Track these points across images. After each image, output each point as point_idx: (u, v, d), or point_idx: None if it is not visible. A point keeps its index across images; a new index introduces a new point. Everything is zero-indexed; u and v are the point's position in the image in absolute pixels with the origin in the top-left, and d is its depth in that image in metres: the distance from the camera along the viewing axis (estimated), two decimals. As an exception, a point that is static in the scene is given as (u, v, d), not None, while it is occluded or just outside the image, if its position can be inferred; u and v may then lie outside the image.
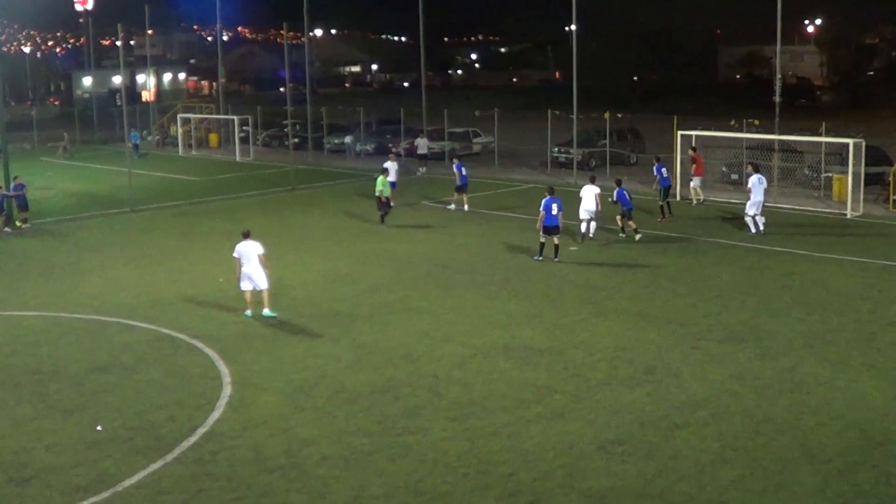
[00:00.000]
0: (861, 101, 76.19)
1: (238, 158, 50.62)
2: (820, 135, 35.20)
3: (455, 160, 33.45)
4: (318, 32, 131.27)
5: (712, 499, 11.17)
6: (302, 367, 16.12)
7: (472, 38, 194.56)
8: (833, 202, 32.03)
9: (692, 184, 32.57)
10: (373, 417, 13.80)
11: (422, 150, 43.47)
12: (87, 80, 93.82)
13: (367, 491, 11.53)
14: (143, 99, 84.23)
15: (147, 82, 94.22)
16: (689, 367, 15.76)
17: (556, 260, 23.59)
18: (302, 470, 12.13)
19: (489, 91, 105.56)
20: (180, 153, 54.97)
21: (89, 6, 65.53)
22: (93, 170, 47.21)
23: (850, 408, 13.84)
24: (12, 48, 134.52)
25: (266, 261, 18.89)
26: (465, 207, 31.56)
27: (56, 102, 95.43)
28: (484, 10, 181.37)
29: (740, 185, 33.13)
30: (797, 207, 31.53)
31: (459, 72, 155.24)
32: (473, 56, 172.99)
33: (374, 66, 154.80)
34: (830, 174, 33.37)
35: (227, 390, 15.01)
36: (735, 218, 29.23)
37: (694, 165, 32.38)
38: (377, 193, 28.91)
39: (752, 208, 27.13)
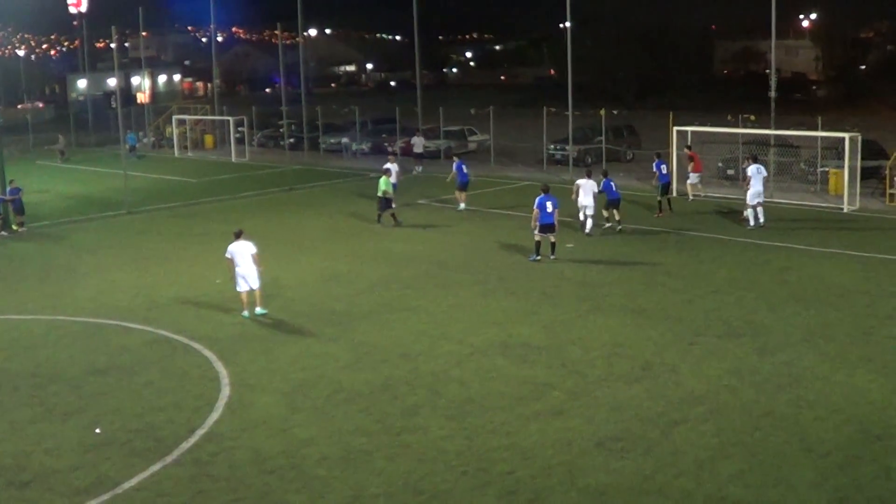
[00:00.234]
0: (856, 95, 76.12)
1: (234, 159, 50.49)
2: (816, 129, 35.22)
3: (455, 158, 33.45)
4: (313, 32, 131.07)
5: (711, 494, 11.18)
6: (300, 367, 16.12)
7: (467, 36, 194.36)
8: (830, 196, 32.04)
9: (689, 181, 32.58)
10: (371, 417, 13.80)
11: (418, 149, 43.47)
12: (82, 83, 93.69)
13: (367, 490, 11.54)
14: (139, 101, 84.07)
15: (142, 84, 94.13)
16: (687, 362, 15.77)
17: (552, 257, 23.58)
18: (301, 470, 12.13)
19: (484, 89, 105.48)
20: (176, 154, 54.86)
21: (83, 8, 65.37)
22: (88, 172, 47.11)
23: (849, 402, 13.86)
24: (7, 51, 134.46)
25: (259, 260, 18.90)
26: (462, 206, 31.55)
27: (41, 106, 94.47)
28: (478, 7, 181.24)
29: (737, 181, 33.15)
30: (794, 202, 31.53)
31: (454, 70, 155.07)
32: (468, 54, 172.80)
33: (370, 66, 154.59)
34: (827, 168, 33.39)
35: (226, 391, 15.02)
36: (732, 213, 29.26)
37: (692, 163, 32.43)
38: (380, 193, 28.94)
39: (753, 199, 27.11)
